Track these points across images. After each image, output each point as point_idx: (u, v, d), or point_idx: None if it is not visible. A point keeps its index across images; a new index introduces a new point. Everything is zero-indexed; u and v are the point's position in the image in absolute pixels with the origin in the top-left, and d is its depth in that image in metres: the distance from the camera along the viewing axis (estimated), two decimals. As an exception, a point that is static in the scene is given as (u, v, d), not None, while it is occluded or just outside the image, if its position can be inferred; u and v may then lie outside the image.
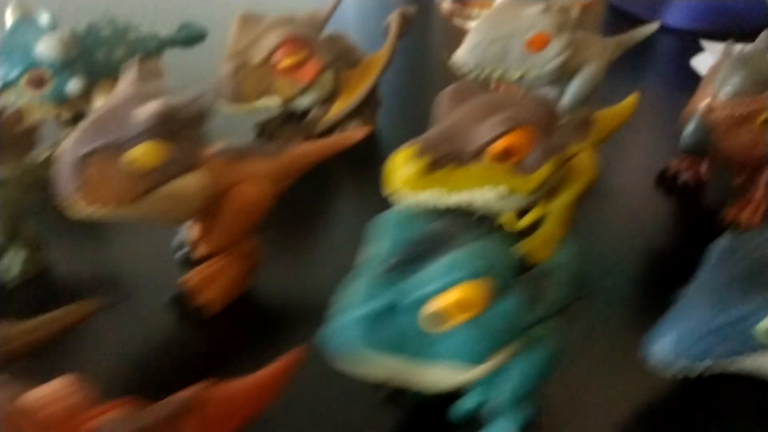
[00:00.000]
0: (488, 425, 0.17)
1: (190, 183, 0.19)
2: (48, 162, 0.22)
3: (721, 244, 0.18)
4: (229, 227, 0.20)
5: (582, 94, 0.28)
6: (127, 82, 0.19)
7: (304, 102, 0.27)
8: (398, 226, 0.15)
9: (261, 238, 0.22)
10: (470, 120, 0.19)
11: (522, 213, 0.24)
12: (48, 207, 0.20)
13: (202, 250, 0.21)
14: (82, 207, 0.18)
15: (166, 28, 0.30)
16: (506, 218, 0.24)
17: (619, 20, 0.42)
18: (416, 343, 0.14)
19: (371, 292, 0.14)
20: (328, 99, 0.28)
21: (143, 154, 0.17)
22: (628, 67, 0.33)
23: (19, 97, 0.26)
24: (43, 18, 0.26)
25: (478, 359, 0.14)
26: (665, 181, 0.28)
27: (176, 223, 0.21)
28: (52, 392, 0.13)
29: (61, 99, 0.26)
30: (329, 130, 0.29)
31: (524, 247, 0.23)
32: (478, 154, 0.19)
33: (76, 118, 0.27)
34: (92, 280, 0.23)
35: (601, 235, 0.25)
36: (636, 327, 0.19)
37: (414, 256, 0.14)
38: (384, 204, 0.18)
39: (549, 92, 0.29)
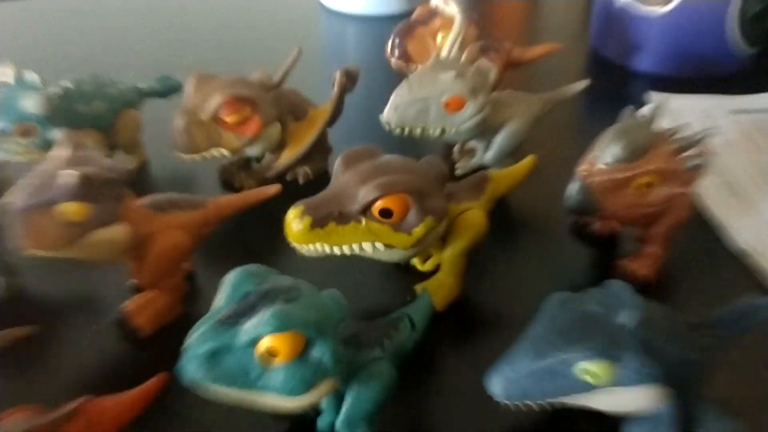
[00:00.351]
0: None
1: (114, 232, 0.23)
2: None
3: (553, 298, 0.21)
4: (154, 268, 0.24)
5: (505, 148, 0.31)
6: (60, 150, 0.23)
7: (253, 151, 0.31)
8: (237, 283, 0.18)
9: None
10: (353, 184, 0.23)
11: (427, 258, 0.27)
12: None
13: (137, 284, 0.26)
14: (27, 250, 0.22)
15: (145, 81, 0.35)
16: (414, 262, 0.27)
17: (599, 65, 0.44)
18: (254, 377, 0.18)
19: (208, 336, 0.17)
20: (278, 147, 0.32)
21: (69, 210, 0.22)
22: (600, 111, 0.36)
23: (13, 145, 0.30)
24: (31, 77, 0.30)
25: (297, 393, 0.17)
26: (578, 230, 0.30)
27: (111, 263, 0.25)
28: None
29: (46, 146, 0.30)
30: (282, 175, 0.32)
31: (422, 287, 0.26)
32: (362, 213, 0.22)
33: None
34: (53, 303, 0.27)
35: (513, 279, 0.28)
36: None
37: (247, 308, 0.18)
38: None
39: (476, 145, 0.32)
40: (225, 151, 0.30)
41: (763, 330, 0.23)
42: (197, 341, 0.17)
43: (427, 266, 0.27)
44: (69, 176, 0.21)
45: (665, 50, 0.43)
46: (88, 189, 0.22)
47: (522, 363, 0.20)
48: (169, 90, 0.35)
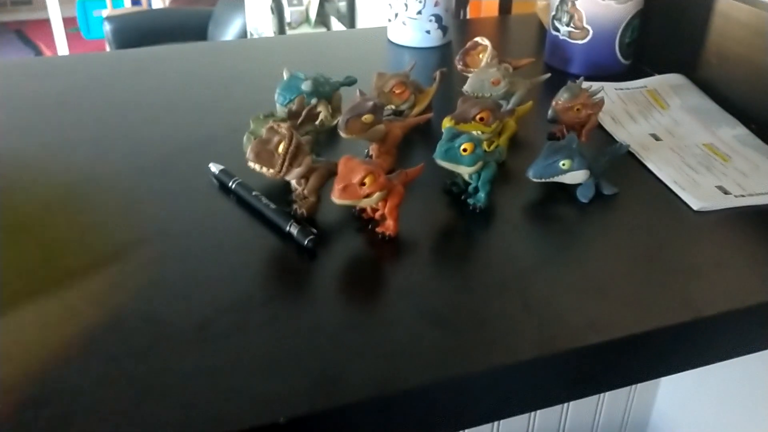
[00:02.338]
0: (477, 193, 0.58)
1: (380, 128, 0.60)
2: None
3: (547, 144, 0.60)
4: (390, 147, 0.62)
5: (517, 103, 0.70)
6: (357, 97, 0.61)
7: (403, 107, 0.69)
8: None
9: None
10: (468, 108, 0.61)
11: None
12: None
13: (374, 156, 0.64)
14: (345, 134, 0.59)
15: (339, 77, 0.72)
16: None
17: (551, 69, 0.84)
18: (458, 158, 0.55)
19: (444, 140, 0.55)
20: (413, 106, 0.70)
21: (367, 118, 0.59)
22: (555, 88, 0.76)
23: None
24: (301, 75, 0.68)
25: (472, 165, 0.55)
26: (550, 136, 0.69)
27: (375, 142, 0.63)
28: None
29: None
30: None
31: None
32: (473, 118, 0.61)
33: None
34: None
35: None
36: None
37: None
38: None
39: (504, 102, 0.71)
40: (392, 106, 0.68)
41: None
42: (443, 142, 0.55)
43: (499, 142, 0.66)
44: (368, 102, 0.59)
45: (584, 62, 0.83)
46: (373, 109, 0.59)
47: (538, 164, 0.59)
48: (352, 82, 0.73)
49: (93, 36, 3.77)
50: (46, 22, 3.67)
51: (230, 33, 2.80)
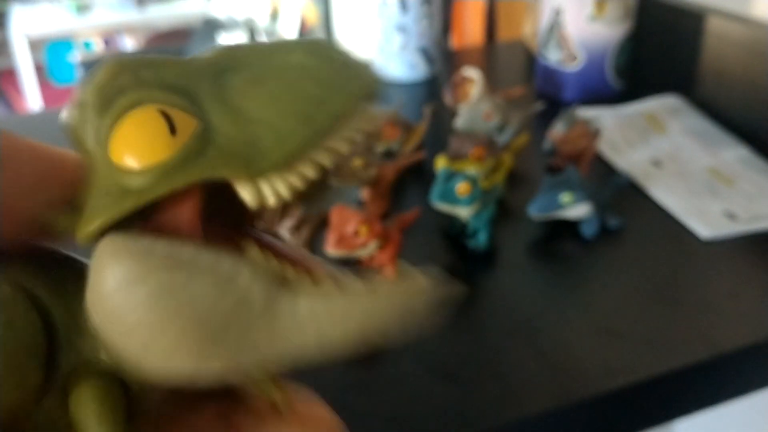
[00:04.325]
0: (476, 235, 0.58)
1: (372, 172, 0.60)
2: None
3: (545, 179, 0.60)
4: (384, 190, 0.62)
5: (510, 136, 0.71)
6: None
7: (394, 147, 0.69)
8: None
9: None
10: (459, 145, 0.61)
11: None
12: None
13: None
14: (336, 182, 0.59)
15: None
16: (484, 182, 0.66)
17: (543, 96, 0.85)
18: (453, 199, 0.55)
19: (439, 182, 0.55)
20: (403, 145, 0.70)
21: (356, 163, 0.59)
22: (549, 117, 0.76)
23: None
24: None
25: (469, 205, 0.55)
26: (548, 167, 0.70)
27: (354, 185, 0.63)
28: None
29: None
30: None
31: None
32: (466, 156, 0.61)
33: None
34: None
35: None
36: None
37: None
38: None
39: (497, 135, 0.72)
40: (382, 147, 0.68)
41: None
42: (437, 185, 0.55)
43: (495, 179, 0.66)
44: (357, 145, 0.59)
45: (577, 88, 0.84)
46: (363, 152, 0.59)
47: (539, 199, 0.59)
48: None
49: (64, 81, 3.78)
50: (13, 72, 3.69)
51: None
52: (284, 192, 0.15)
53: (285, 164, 0.15)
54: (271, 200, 0.15)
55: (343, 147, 0.16)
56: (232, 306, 0.14)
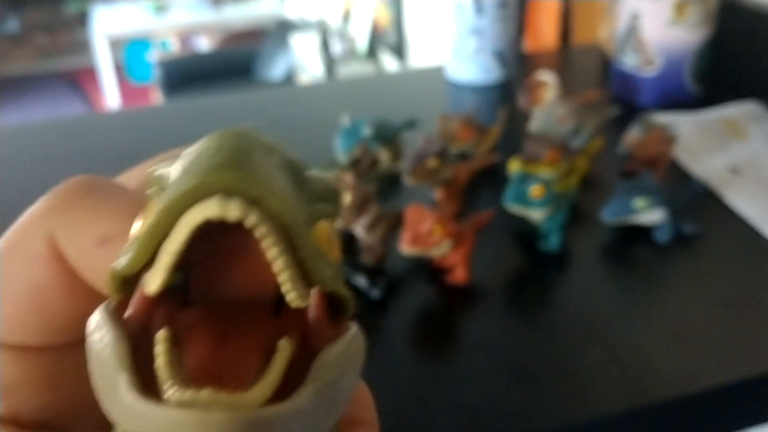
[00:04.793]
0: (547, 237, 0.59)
1: (447, 172, 0.62)
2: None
3: (622, 183, 0.60)
4: (460, 190, 0.63)
5: (585, 140, 0.71)
6: (420, 141, 0.62)
7: (468, 149, 0.70)
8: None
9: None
10: (537, 147, 0.62)
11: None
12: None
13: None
14: (410, 181, 0.61)
15: (397, 120, 0.74)
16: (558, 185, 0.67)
17: (619, 101, 0.85)
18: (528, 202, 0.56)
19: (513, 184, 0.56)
20: (478, 145, 0.71)
21: (431, 163, 0.61)
22: (624, 122, 0.76)
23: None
24: (362, 123, 0.70)
25: (544, 207, 0.56)
26: (623, 172, 0.70)
27: (433, 186, 0.64)
28: None
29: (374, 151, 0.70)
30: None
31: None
32: (541, 159, 0.62)
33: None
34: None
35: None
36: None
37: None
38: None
39: (572, 139, 0.72)
40: (457, 148, 0.70)
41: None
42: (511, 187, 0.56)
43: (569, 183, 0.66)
44: (433, 146, 0.61)
45: (654, 93, 0.83)
46: (438, 153, 0.61)
47: (613, 204, 0.59)
48: (413, 125, 0.74)
49: (142, 80, 3.91)
50: (93, 70, 3.83)
51: (277, 71, 2.88)
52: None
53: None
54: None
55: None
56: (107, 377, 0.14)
